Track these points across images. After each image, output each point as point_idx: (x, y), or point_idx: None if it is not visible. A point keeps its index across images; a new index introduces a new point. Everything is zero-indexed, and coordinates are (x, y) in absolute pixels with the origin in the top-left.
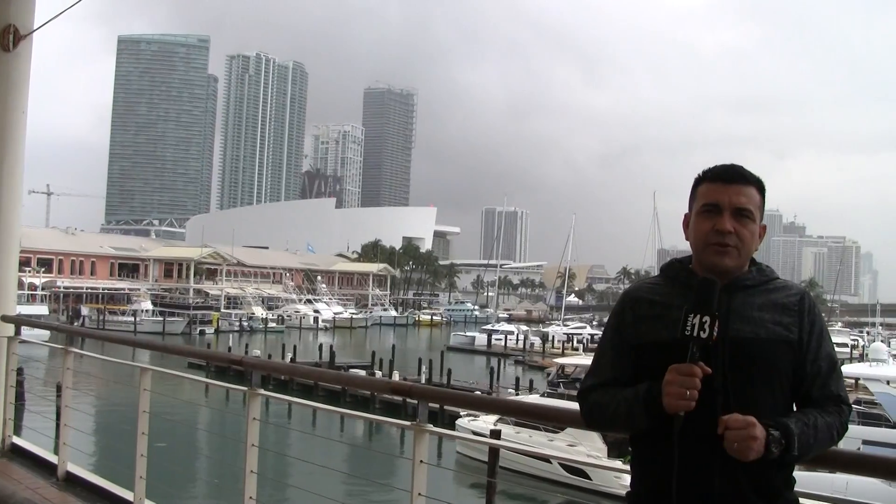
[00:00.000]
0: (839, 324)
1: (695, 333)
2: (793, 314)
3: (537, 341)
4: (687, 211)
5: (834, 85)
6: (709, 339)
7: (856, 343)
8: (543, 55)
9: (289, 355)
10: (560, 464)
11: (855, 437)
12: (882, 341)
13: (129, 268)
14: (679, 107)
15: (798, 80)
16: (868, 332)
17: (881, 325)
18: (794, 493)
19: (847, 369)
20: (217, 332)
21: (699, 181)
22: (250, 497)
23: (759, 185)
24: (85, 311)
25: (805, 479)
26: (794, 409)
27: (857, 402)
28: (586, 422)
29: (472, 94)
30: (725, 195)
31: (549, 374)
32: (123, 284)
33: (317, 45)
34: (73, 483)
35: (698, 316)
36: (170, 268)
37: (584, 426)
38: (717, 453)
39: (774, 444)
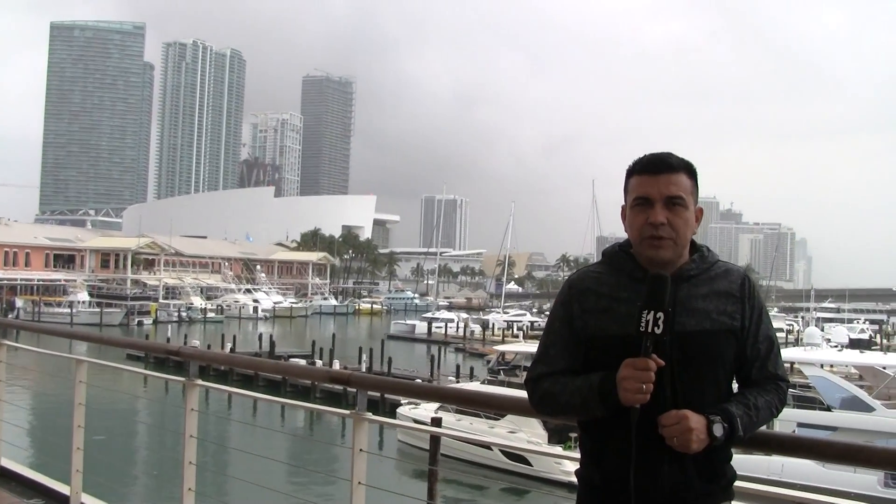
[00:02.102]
0: (775, 309)
1: (649, 329)
2: (736, 301)
3: (477, 329)
4: (623, 203)
5: (770, 75)
6: (663, 335)
7: (791, 328)
8: (489, 46)
9: (228, 345)
10: (501, 450)
11: (790, 419)
12: (816, 326)
13: (64, 259)
14: (621, 96)
15: (737, 71)
16: (803, 317)
17: (815, 309)
18: (732, 468)
19: (783, 354)
20: (155, 322)
21: (629, 174)
22: (189, 489)
23: (689, 170)
24: (19, 303)
25: (741, 461)
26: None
27: (793, 385)
28: (537, 409)
29: (418, 85)
30: (655, 187)
31: (489, 362)
32: (59, 276)
33: (256, 33)
34: (7, 478)
35: (652, 312)
36: (107, 258)
37: (533, 413)
38: (667, 445)
39: (717, 429)
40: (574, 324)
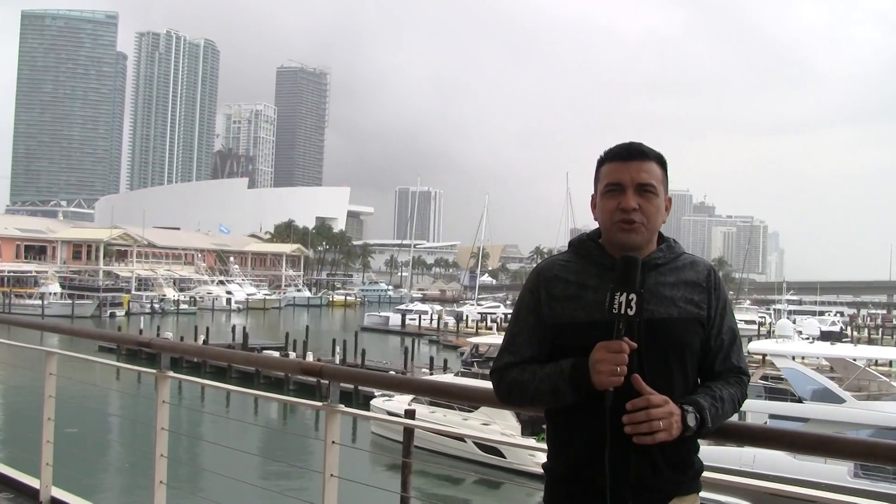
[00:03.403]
0: (747, 301)
1: (622, 311)
2: (702, 291)
3: (451, 321)
4: (593, 192)
5: (745, 70)
6: (636, 317)
7: (763, 320)
8: (468, 38)
9: (201, 337)
10: (475, 442)
11: (762, 411)
12: (788, 318)
13: (35, 250)
14: (598, 89)
15: (714, 65)
16: (776, 310)
17: (787, 301)
18: (700, 460)
19: (755, 346)
20: (128, 314)
21: (601, 162)
22: (160, 481)
23: (660, 160)
24: None
25: (714, 452)
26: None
27: (765, 377)
28: (503, 399)
29: (396, 77)
30: (627, 173)
31: (462, 354)
32: (30, 267)
33: (232, 23)
34: None
35: (624, 294)
36: (78, 250)
37: (500, 403)
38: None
39: (691, 419)
40: (541, 311)
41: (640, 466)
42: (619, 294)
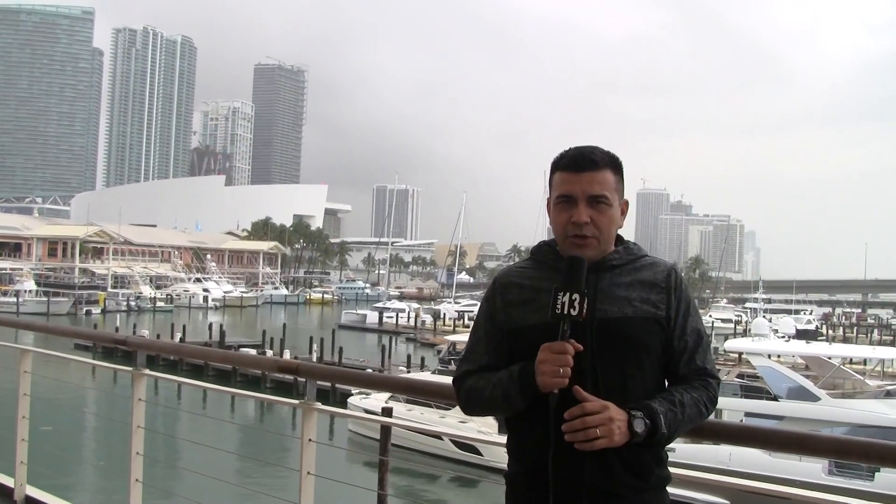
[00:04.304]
0: (724, 300)
1: (565, 311)
2: (661, 291)
3: (428, 319)
4: (548, 197)
5: (724, 71)
6: (579, 317)
7: (739, 319)
8: (450, 37)
9: (178, 335)
10: (451, 440)
11: (738, 409)
12: (764, 317)
13: (10, 247)
14: (577, 88)
15: (693, 66)
16: (752, 309)
17: (761, 300)
18: (667, 470)
19: (731, 344)
20: (104, 312)
21: (554, 168)
22: (136, 479)
23: (614, 165)
24: None
25: (690, 450)
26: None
27: (741, 375)
28: (463, 407)
29: (378, 75)
30: (578, 185)
31: (440, 352)
32: (5, 264)
33: (209, 21)
34: None
35: (568, 294)
36: (54, 247)
37: (463, 412)
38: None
39: (639, 425)
40: (497, 317)
41: (595, 471)
42: (562, 294)
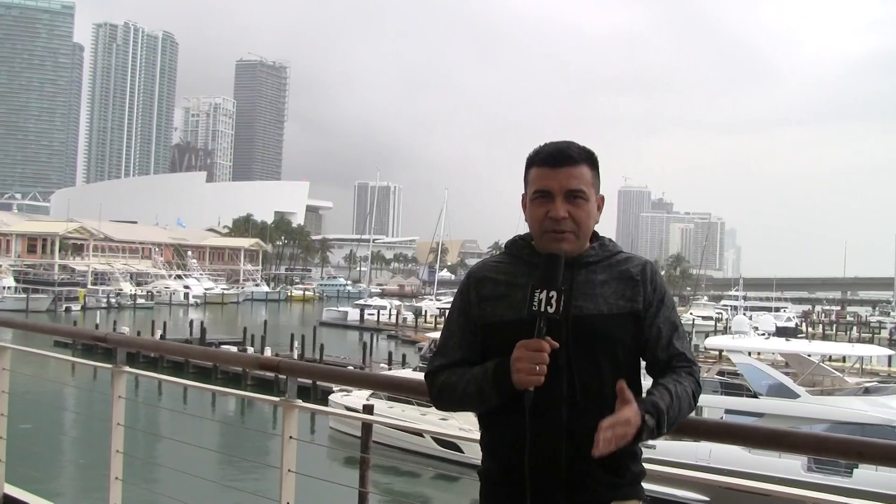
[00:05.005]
0: (705, 298)
1: (542, 309)
2: (636, 285)
3: (410, 316)
4: (523, 192)
5: (707, 69)
6: (556, 314)
7: (720, 316)
8: (436, 34)
9: (158, 332)
10: (433, 438)
11: (718, 406)
12: (744, 314)
13: None
14: (563, 86)
15: (676, 64)
16: (732, 307)
17: (742, 298)
18: (641, 465)
19: (711, 341)
20: (84, 308)
21: (529, 163)
22: (116, 477)
23: (591, 160)
24: None
25: (670, 447)
26: (648, 377)
27: (721, 372)
28: (435, 402)
29: (361, 72)
30: (555, 180)
31: (421, 349)
32: None
33: (191, 16)
34: None
35: (545, 291)
36: (33, 243)
37: (434, 407)
38: (564, 430)
39: (649, 429)
40: (471, 312)
41: (571, 465)
42: (539, 291)
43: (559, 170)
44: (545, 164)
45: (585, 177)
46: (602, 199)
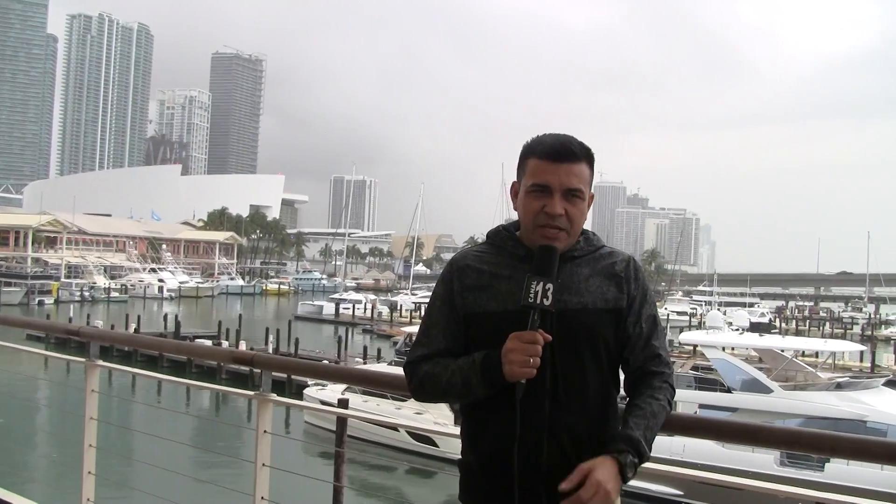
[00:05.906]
0: (679, 293)
1: (537, 301)
2: (620, 281)
3: (385, 310)
4: (515, 180)
5: (684, 66)
6: (551, 307)
7: (694, 311)
8: (416, 29)
9: (132, 326)
10: (408, 432)
11: (692, 401)
12: (718, 309)
13: None
14: (542, 82)
15: (654, 61)
16: (709, 302)
17: (709, 293)
18: None
19: (685, 337)
20: (57, 302)
21: (528, 153)
22: (89, 472)
23: (589, 158)
24: None
25: None
26: (622, 379)
27: (695, 367)
28: (416, 393)
29: (340, 66)
30: (556, 176)
31: (396, 343)
32: None
33: (166, 8)
34: None
35: (541, 283)
36: (5, 236)
37: (413, 398)
38: (545, 423)
39: (629, 469)
40: (454, 301)
41: (552, 457)
42: (535, 283)
43: (560, 165)
44: (546, 158)
45: (584, 175)
46: (592, 196)
